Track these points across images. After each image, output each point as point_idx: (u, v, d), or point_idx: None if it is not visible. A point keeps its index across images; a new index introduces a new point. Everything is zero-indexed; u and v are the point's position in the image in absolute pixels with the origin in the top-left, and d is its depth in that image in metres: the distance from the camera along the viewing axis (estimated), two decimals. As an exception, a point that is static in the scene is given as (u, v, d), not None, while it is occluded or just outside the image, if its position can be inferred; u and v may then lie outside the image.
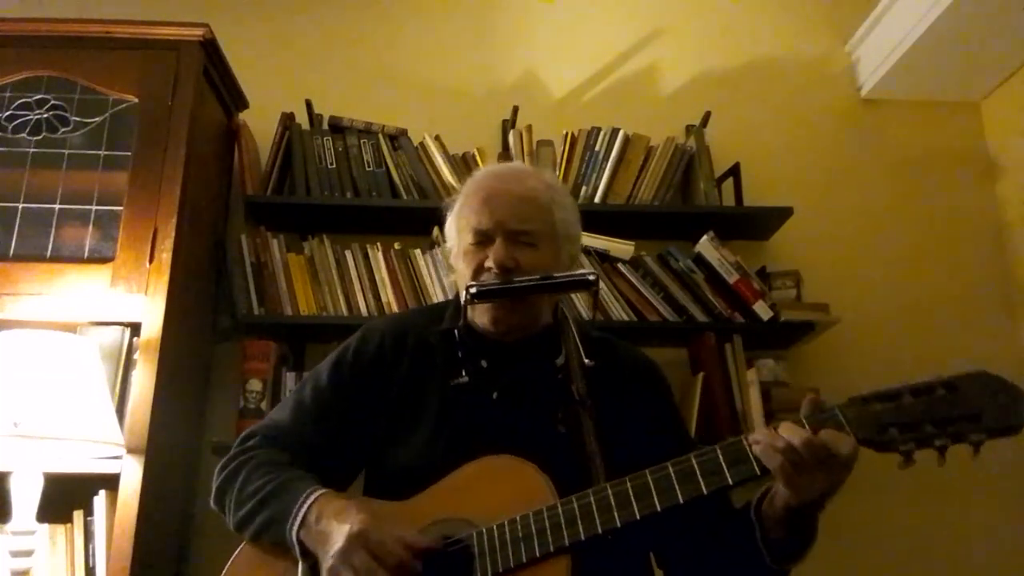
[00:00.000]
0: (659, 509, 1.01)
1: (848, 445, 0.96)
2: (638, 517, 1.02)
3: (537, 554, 1.02)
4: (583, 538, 1.02)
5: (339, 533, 1.05)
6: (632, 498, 1.03)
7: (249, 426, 1.32)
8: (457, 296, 1.35)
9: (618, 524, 1.02)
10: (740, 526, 1.10)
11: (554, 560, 1.02)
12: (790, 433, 0.98)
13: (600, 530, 1.02)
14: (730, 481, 1.01)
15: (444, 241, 2.24)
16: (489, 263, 1.22)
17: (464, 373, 1.23)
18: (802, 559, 1.07)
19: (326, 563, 1.05)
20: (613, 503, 1.03)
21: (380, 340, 1.31)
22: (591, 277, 1.21)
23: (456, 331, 1.27)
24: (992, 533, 2.30)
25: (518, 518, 1.06)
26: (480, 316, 1.26)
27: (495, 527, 1.06)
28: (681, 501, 1.01)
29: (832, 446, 0.95)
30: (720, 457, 1.02)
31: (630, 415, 1.24)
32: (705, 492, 1.01)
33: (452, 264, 1.35)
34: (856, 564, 2.25)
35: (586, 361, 1.23)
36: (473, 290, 1.18)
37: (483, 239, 1.25)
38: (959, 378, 0.96)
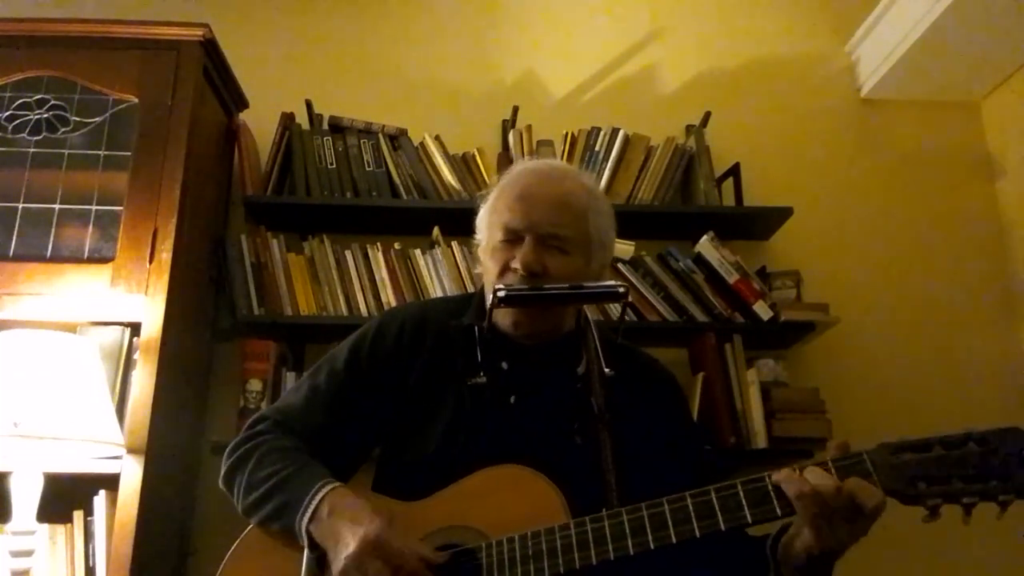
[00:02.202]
0: (674, 541, 1.01)
1: (875, 497, 0.94)
2: (652, 547, 1.01)
3: (547, 575, 1.02)
4: (594, 563, 1.02)
5: (353, 536, 1.04)
6: (648, 527, 1.02)
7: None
8: (481, 289, 1.33)
9: (631, 552, 1.01)
10: (755, 557, 1.09)
11: None
12: (816, 478, 0.95)
13: (612, 556, 1.01)
14: (749, 520, 1.00)
15: (440, 239, 2.28)
16: (515, 264, 1.19)
17: (482, 374, 1.20)
18: None
19: (337, 564, 1.04)
20: (628, 530, 1.02)
21: (400, 329, 1.29)
22: (621, 290, 1.19)
23: (477, 329, 1.24)
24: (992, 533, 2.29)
25: (529, 534, 1.05)
26: (502, 317, 1.23)
27: (505, 540, 1.06)
28: (698, 535, 1.00)
29: (858, 496, 0.93)
30: (741, 495, 1.01)
31: (647, 429, 1.23)
32: (723, 528, 1.00)
33: (480, 257, 1.31)
34: (856, 563, 2.23)
35: (606, 371, 1.21)
36: (501, 293, 1.15)
37: (512, 238, 1.21)
38: (992, 432, 0.94)
